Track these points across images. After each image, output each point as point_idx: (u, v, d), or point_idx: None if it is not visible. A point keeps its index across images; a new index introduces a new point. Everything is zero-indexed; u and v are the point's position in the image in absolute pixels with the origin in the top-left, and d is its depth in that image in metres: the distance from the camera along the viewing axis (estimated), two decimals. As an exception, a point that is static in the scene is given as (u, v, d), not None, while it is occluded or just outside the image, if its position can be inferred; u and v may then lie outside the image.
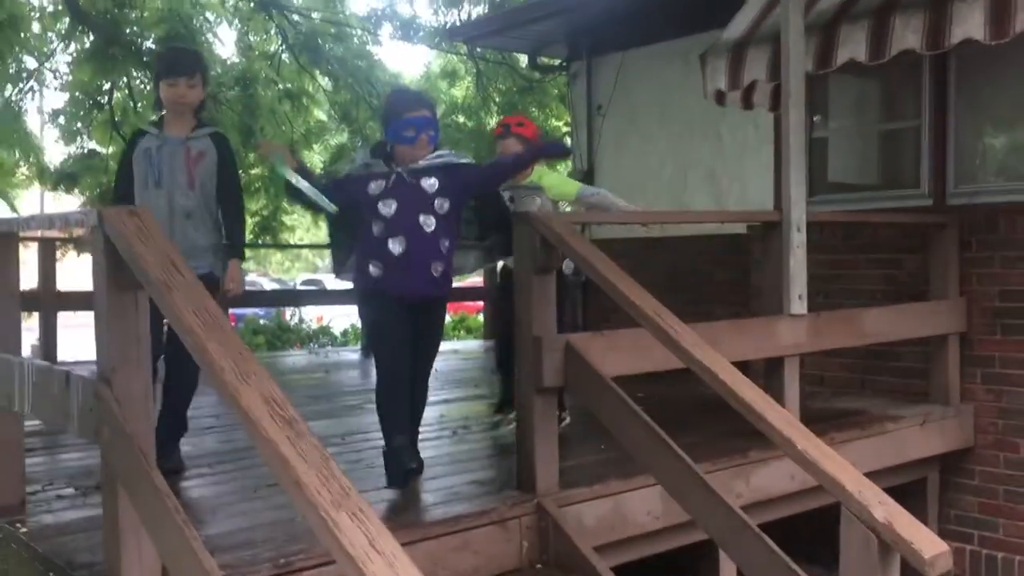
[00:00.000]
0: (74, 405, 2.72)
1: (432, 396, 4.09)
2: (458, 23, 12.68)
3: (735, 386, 2.97)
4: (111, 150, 11.48)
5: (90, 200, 11.97)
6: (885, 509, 2.56)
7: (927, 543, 2.48)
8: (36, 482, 3.73)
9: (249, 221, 12.87)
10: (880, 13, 4.52)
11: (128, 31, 10.83)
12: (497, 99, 13.62)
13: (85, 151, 12.06)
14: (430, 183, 3.59)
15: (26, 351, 5.35)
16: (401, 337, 3.57)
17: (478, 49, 12.35)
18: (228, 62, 12.59)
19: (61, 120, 11.95)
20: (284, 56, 12.90)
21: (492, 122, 13.32)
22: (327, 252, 4.99)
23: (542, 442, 3.54)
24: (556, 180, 4.77)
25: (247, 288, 4.71)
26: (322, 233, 16.70)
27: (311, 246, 25.22)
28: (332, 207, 3.57)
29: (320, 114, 14.23)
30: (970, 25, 4.21)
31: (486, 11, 12.80)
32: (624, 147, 7.67)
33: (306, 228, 22.41)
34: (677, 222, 6.39)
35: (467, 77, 14.78)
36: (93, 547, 2.87)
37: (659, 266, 6.93)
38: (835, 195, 6.01)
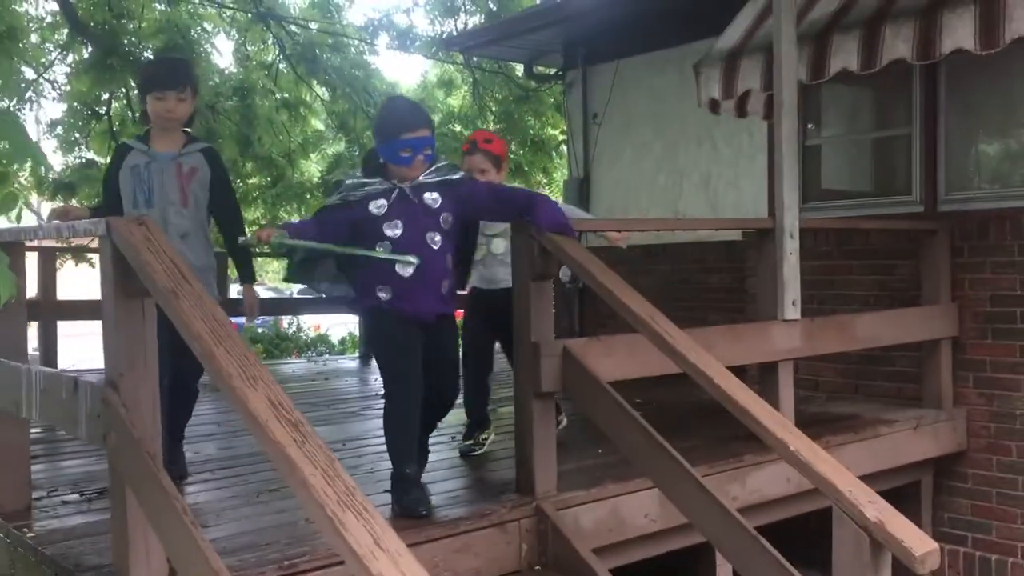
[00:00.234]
0: (82, 411, 2.78)
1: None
2: (454, 33, 12.78)
3: (729, 389, 3.03)
4: (109, 160, 11.51)
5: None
6: (876, 508, 2.61)
7: (917, 541, 2.53)
8: (40, 488, 3.77)
9: (248, 232, 12.93)
10: (871, 23, 4.59)
11: (126, 42, 10.89)
12: (493, 108, 13.69)
13: (83, 161, 12.11)
14: (433, 197, 3.48)
15: (28, 359, 5.39)
16: (414, 358, 3.45)
17: (474, 58, 12.44)
18: (226, 72, 12.66)
19: (59, 130, 12.02)
20: (282, 66, 12.96)
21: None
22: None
23: (540, 446, 3.59)
24: None
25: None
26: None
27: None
28: (360, 251, 3.38)
29: (317, 123, 14.32)
30: (960, 35, 4.27)
31: (482, 21, 12.89)
32: (620, 155, 7.75)
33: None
34: (672, 229, 6.46)
35: (463, 86, 14.86)
36: (100, 550, 2.92)
37: (654, 274, 7.01)
38: (828, 202, 6.08)
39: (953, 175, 5.51)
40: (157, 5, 11.47)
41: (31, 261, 8.01)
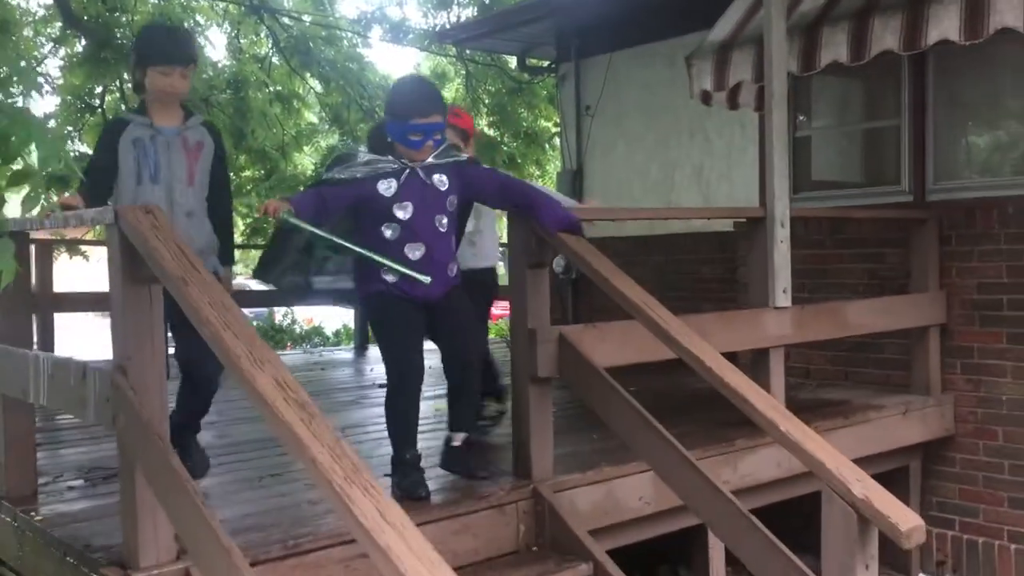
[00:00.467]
0: (91, 395, 2.84)
1: (429, 391, 4.09)
2: (447, 25, 12.82)
3: (722, 372, 3.10)
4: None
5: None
6: (863, 485, 2.69)
7: (902, 516, 2.61)
8: (46, 474, 3.83)
9: (240, 224, 12.97)
10: (860, 15, 4.66)
11: (119, 35, 10.91)
12: (486, 100, 13.75)
13: (76, 154, 12.12)
14: (441, 179, 3.48)
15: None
16: (416, 341, 3.46)
17: (467, 51, 12.49)
18: (219, 65, 12.69)
19: (53, 124, 12.02)
20: (275, 59, 13.00)
21: (482, 123, 13.45)
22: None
23: (537, 430, 3.67)
24: None
25: (236, 288, 4.69)
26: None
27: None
28: (372, 254, 3.35)
29: (311, 116, 14.36)
30: (946, 26, 4.35)
31: (475, 14, 12.94)
32: (612, 147, 7.82)
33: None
34: (664, 218, 6.53)
35: (456, 79, 14.91)
36: (109, 531, 2.98)
37: (648, 264, 7.09)
38: (819, 192, 6.16)
39: (941, 165, 5.59)
40: (150, -2, 11.52)
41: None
